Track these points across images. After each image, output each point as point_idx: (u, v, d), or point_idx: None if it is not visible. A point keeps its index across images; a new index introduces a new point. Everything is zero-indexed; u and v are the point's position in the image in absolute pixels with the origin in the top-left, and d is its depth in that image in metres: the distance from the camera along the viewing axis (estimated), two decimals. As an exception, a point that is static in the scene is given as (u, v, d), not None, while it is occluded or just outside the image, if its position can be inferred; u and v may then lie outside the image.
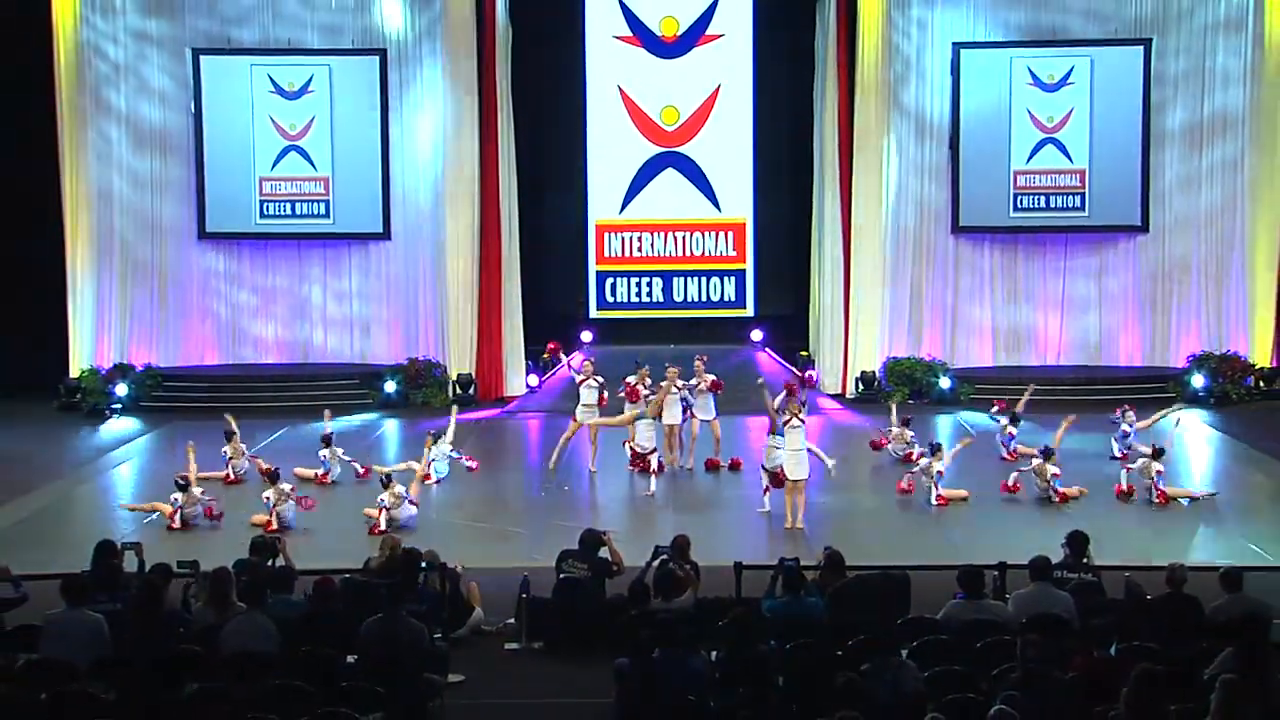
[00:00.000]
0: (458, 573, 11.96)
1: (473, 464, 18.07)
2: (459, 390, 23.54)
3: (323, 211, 24.85)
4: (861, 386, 23.58)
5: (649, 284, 26.28)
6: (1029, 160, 24.41)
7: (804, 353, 25.43)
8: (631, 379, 18.07)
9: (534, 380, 24.50)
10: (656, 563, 11.39)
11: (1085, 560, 11.20)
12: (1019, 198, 24.49)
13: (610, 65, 25.95)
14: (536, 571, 12.19)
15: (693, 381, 18.24)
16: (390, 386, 23.38)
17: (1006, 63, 24.27)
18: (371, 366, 24.50)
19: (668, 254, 26.24)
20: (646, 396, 17.78)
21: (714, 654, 9.25)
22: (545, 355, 21.91)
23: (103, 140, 24.02)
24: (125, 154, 24.32)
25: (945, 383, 23.36)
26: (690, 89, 25.93)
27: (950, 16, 24.19)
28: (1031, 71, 24.27)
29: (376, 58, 24.41)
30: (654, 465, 17.25)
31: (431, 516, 16.10)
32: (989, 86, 24.26)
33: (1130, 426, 18.19)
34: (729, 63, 25.90)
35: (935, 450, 16.50)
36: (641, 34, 25.89)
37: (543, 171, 26.17)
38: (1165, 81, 24.09)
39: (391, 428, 21.99)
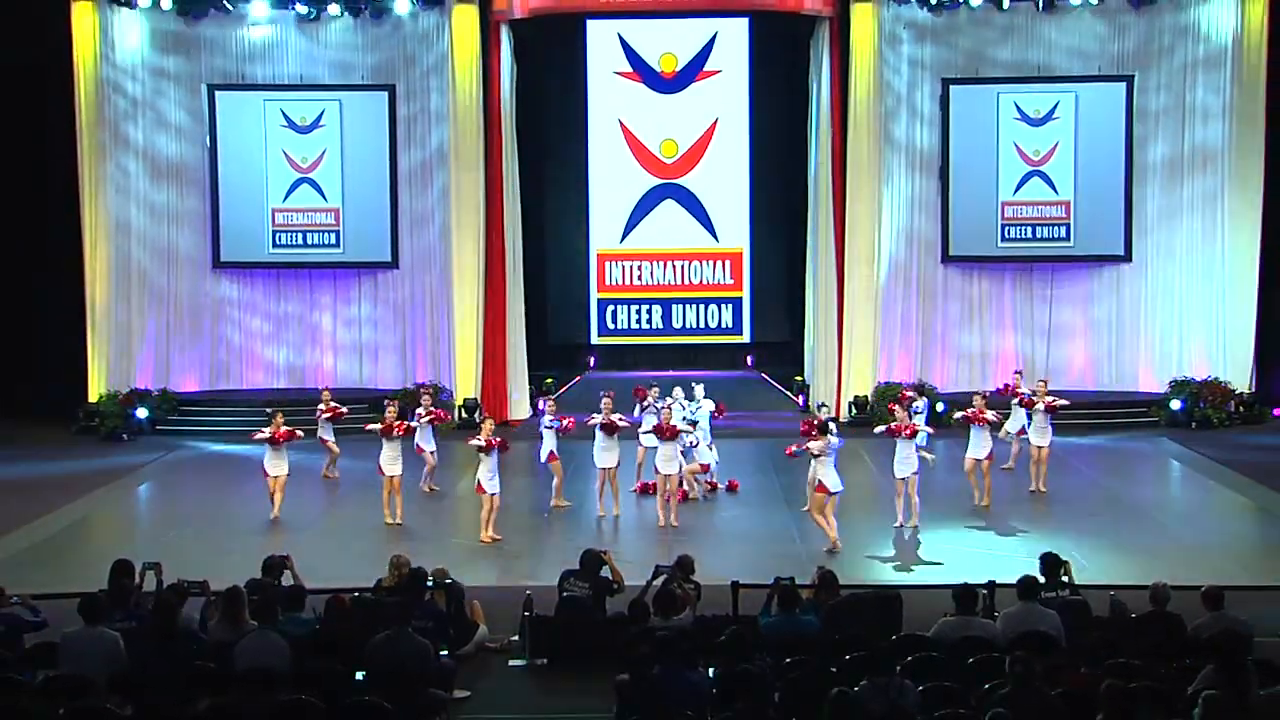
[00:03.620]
0: (462, 589, 11.94)
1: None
2: (464, 414, 23.53)
3: (333, 241, 24.91)
4: (855, 410, 23.57)
5: (649, 311, 26.36)
6: (1016, 192, 24.48)
7: (798, 378, 25.46)
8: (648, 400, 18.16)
9: (538, 405, 24.51)
10: (657, 581, 11.38)
11: (1065, 580, 11.19)
12: (1006, 228, 24.54)
13: (611, 100, 26.09)
14: (539, 590, 12.20)
15: (694, 405, 18.24)
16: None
17: (994, 98, 24.36)
18: (379, 391, 24.47)
19: (667, 282, 26.34)
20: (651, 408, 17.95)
21: (712, 670, 9.24)
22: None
23: (121, 173, 24.09)
24: (143, 186, 24.40)
25: (939, 406, 23.32)
26: (689, 123, 26.07)
27: (940, 54, 24.29)
28: (1018, 107, 24.37)
29: (385, 93, 24.51)
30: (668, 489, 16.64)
31: (437, 536, 16.14)
32: (977, 121, 24.33)
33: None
34: (726, 98, 26.04)
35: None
36: (642, 70, 26.04)
37: (546, 202, 26.28)
38: (1147, 117, 24.18)
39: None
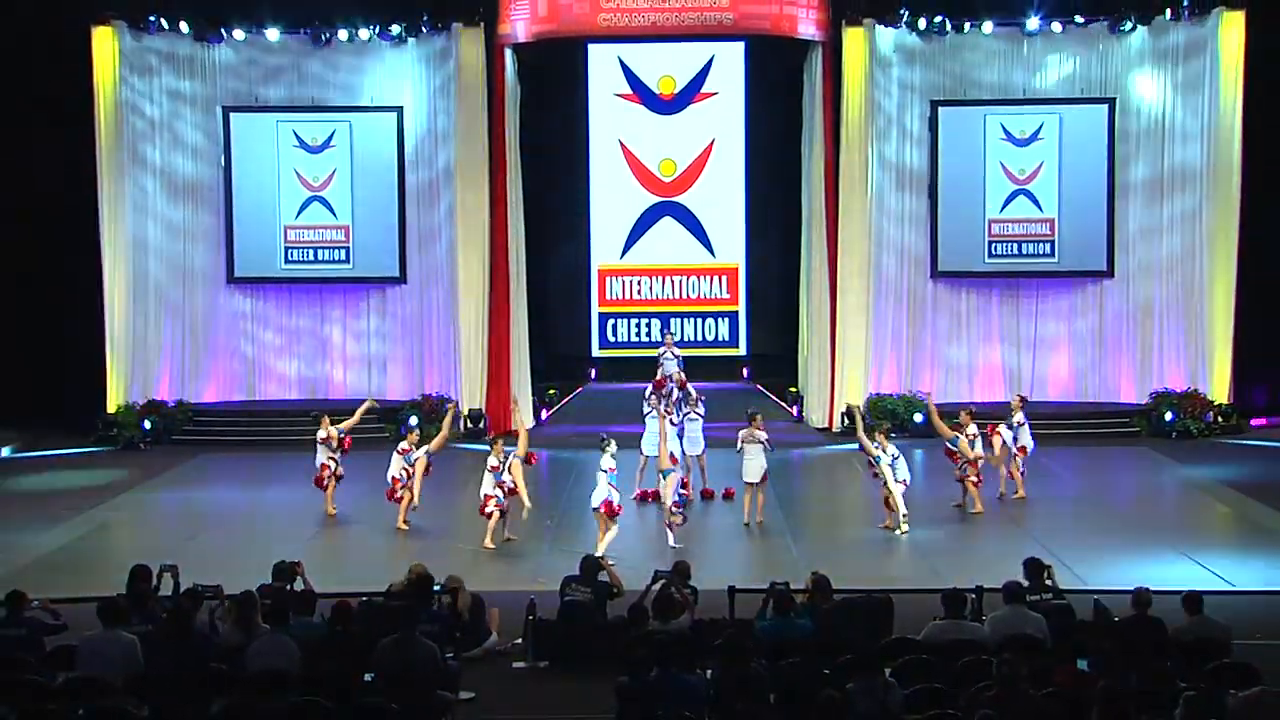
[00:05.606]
0: (481, 598, 11.95)
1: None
2: (470, 424, 23.53)
3: (343, 257, 24.92)
4: (847, 421, 23.57)
5: (648, 325, 26.36)
6: (1002, 210, 24.50)
7: (793, 389, 25.48)
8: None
9: (541, 415, 24.56)
10: (656, 586, 11.38)
11: (1049, 584, 11.19)
12: (993, 245, 24.56)
13: (611, 121, 26.13)
14: (542, 595, 12.20)
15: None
16: (413, 420, 22.90)
17: (981, 119, 24.39)
18: (388, 402, 24.48)
19: (665, 296, 26.36)
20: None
21: (709, 672, 9.23)
22: None
23: (139, 191, 24.11)
24: (160, 204, 24.41)
25: (920, 417, 23.32)
26: (686, 143, 26.11)
27: (929, 76, 24.33)
28: (1004, 128, 24.40)
29: (394, 114, 24.53)
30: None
31: (449, 543, 16.15)
32: (965, 141, 24.37)
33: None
34: (722, 118, 26.08)
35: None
36: (641, 92, 26.08)
37: (549, 220, 26.29)
38: (1128, 138, 24.21)
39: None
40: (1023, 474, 18.09)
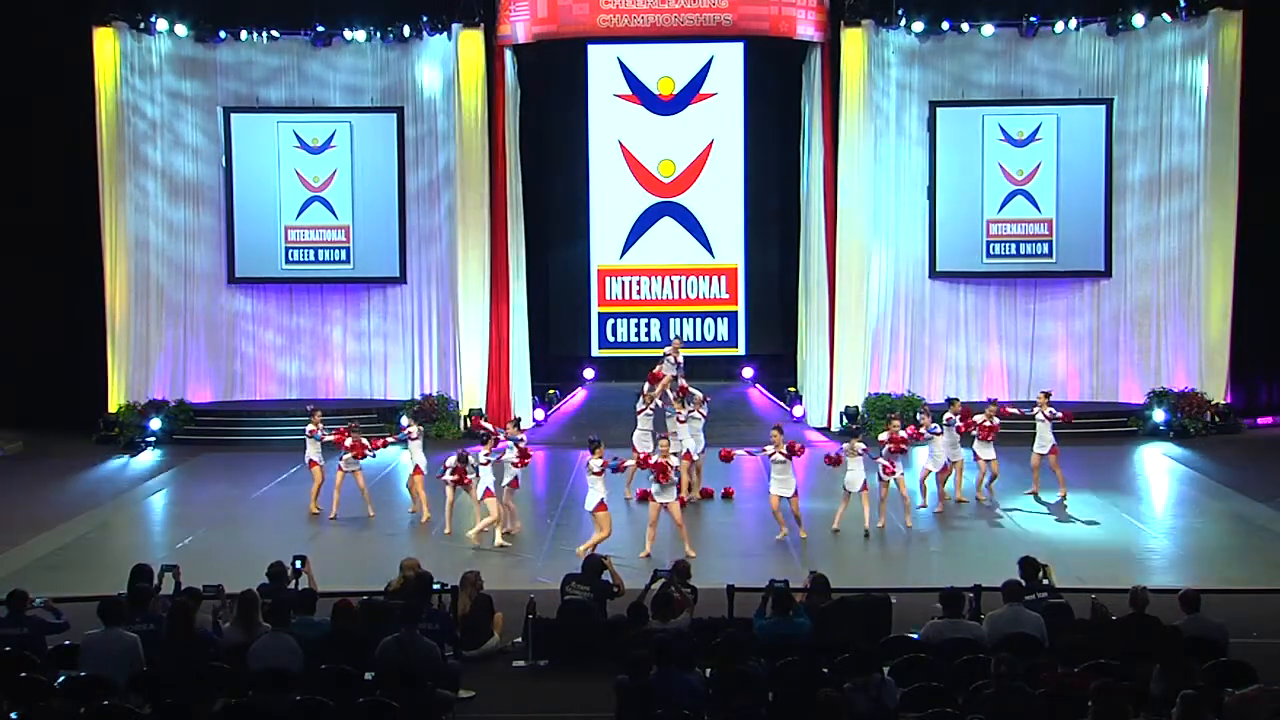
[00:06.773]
0: (489, 598, 11.97)
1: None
2: (470, 424, 23.53)
3: (343, 258, 24.94)
4: (845, 420, 23.60)
5: (647, 325, 26.36)
6: (1000, 210, 24.53)
7: (792, 388, 25.49)
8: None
9: (540, 415, 24.55)
10: (656, 585, 11.39)
11: (1045, 583, 11.19)
12: (991, 245, 24.58)
13: (611, 122, 26.13)
14: (543, 594, 12.21)
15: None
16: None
17: (979, 120, 24.41)
18: (389, 401, 24.51)
19: (665, 297, 26.35)
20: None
21: (708, 671, 9.24)
22: None
23: (140, 192, 24.11)
24: (161, 205, 24.42)
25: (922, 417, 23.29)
26: (686, 143, 26.11)
27: (927, 77, 24.35)
28: (1002, 128, 24.42)
29: (394, 115, 24.56)
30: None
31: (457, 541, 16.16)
32: (963, 142, 24.39)
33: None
34: (722, 119, 26.07)
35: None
36: (640, 93, 26.08)
37: (548, 220, 26.31)
38: (1126, 138, 24.24)
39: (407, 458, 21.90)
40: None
